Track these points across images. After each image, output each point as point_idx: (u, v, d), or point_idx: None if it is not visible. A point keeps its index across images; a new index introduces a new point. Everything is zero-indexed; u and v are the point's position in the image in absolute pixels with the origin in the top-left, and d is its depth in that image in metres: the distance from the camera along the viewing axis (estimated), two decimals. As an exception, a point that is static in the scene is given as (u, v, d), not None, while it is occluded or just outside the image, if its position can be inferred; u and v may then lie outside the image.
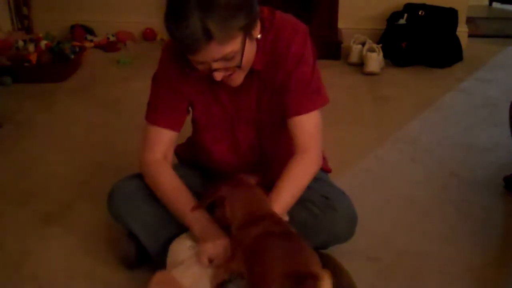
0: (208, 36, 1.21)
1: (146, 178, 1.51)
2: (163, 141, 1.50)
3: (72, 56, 3.25)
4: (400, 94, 2.98)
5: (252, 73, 1.41)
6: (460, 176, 2.16)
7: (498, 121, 2.58)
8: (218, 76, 1.31)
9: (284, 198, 1.39)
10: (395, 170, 2.22)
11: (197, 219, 1.39)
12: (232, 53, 1.27)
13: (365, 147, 2.37)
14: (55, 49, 3.21)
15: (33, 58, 3.14)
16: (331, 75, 3.07)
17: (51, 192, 2.06)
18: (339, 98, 2.79)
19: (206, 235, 1.35)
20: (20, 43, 3.25)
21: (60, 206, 1.97)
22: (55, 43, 3.30)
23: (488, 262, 1.69)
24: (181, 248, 1.40)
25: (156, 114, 1.49)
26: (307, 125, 1.44)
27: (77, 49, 3.35)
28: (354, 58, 3.38)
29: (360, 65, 3.32)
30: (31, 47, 3.22)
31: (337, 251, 1.58)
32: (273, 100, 1.46)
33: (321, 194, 1.51)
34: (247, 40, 1.29)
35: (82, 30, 3.76)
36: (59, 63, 3.17)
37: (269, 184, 1.43)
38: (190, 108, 1.54)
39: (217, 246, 1.32)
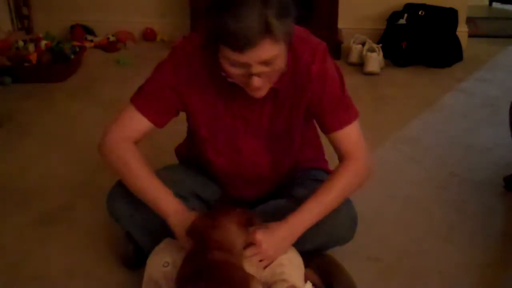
0: (267, 31, 1.17)
1: (109, 155, 1.43)
2: (139, 129, 1.44)
3: (72, 56, 3.25)
4: (400, 94, 2.98)
5: (269, 90, 1.36)
6: (460, 176, 2.16)
7: (498, 121, 2.58)
8: (258, 82, 1.26)
9: (324, 202, 1.41)
10: (395, 170, 2.22)
11: (171, 211, 1.39)
12: (276, 56, 1.23)
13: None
14: (55, 49, 3.21)
15: (33, 58, 3.14)
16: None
17: (51, 192, 2.06)
18: (339, 98, 2.79)
19: (181, 229, 1.35)
20: (20, 43, 3.25)
21: (60, 206, 1.97)
22: (55, 43, 3.30)
23: (488, 262, 1.69)
24: (156, 265, 1.39)
25: (145, 103, 1.43)
26: (349, 136, 1.45)
27: (77, 49, 3.35)
28: (354, 58, 3.38)
29: (360, 65, 3.33)
30: (31, 47, 3.22)
31: (337, 251, 1.58)
32: (293, 118, 1.46)
33: None
34: (287, 47, 1.27)
35: (82, 30, 3.76)
36: (59, 63, 3.17)
37: (278, 194, 1.44)
38: (185, 115, 1.52)
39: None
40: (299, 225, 1.38)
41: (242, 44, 1.17)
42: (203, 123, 1.48)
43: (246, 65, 1.23)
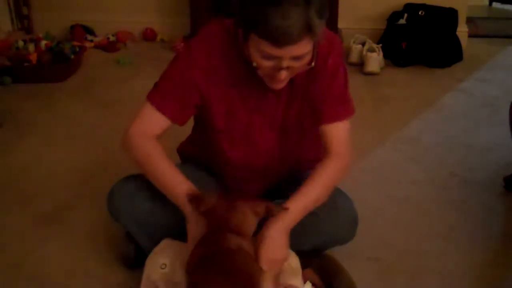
0: (308, 30, 1.19)
1: (133, 150, 1.44)
2: (159, 126, 1.45)
3: (72, 56, 3.25)
4: (400, 94, 2.98)
5: None
6: (460, 176, 2.16)
7: (498, 121, 2.58)
8: (285, 75, 1.29)
9: (310, 195, 1.40)
10: (395, 170, 2.22)
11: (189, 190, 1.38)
12: (308, 53, 1.26)
13: (365, 147, 2.37)
14: (55, 49, 3.21)
15: (33, 58, 3.14)
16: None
17: (51, 192, 2.06)
18: (339, 98, 2.79)
19: (195, 220, 1.35)
20: (20, 43, 3.25)
21: (60, 206, 1.97)
22: (55, 43, 3.30)
23: (488, 262, 1.69)
24: (154, 267, 1.39)
25: (162, 100, 1.43)
26: (341, 132, 1.46)
27: (77, 49, 3.35)
28: (354, 58, 3.38)
29: (360, 65, 3.33)
30: (31, 47, 3.21)
31: (337, 251, 1.58)
32: (303, 109, 1.47)
33: None
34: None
35: (82, 30, 3.76)
36: (59, 63, 3.17)
37: (285, 191, 1.43)
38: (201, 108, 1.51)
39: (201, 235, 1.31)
40: (286, 221, 1.37)
41: (284, 40, 1.19)
42: (220, 115, 1.47)
43: (278, 59, 1.25)
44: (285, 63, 1.25)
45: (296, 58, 1.26)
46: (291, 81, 1.40)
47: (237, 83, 1.42)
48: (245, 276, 1.22)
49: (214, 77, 1.42)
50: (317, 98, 1.44)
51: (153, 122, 1.45)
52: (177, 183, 1.40)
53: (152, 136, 1.44)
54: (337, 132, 1.45)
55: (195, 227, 1.35)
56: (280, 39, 1.19)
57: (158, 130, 1.45)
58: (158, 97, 1.44)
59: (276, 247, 1.34)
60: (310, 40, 1.23)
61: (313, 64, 1.31)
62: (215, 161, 1.60)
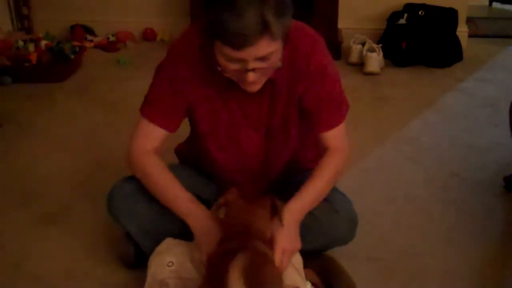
0: (265, 29, 1.17)
1: (134, 169, 1.49)
2: (155, 137, 1.47)
3: (72, 56, 3.24)
4: (400, 94, 2.98)
5: (266, 81, 1.37)
6: (460, 176, 2.16)
7: (498, 121, 2.58)
8: (253, 77, 1.27)
9: (315, 190, 1.43)
10: (395, 170, 2.22)
11: (191, 210, 1.40)
12: (273, 53, 1.24)
13: (365, 147, 2.37)
14: (55, 49, 3.21)
15: (33, 58, 3.14)
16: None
17: (51, 192, 2.06)
18: (339, 98, 2.79)
19: (199, 229, 1.37)
20: (20, 43, 3.25)
21: (60, 206, 1.97)
22: (55, 43, 3.30)
23: (488, 262, 1.69)
24: (160, 265, 1.39)
25: (153, 111, 1.46)
26: (338, 133, 1.48)
27: (77, 49, 3.35)
28: (354, 58, 3.38)
29: (360, 65, 3.32)
30: (31, 47, 3.21)
31: (337, 252, 1.58)
32: (288, 110, 1.46)
33: None
34: (283, 43, 1.27)
35: (82, 30, 3.76)
36: (59, 63, 3.17)
37: (283, 193, 1.44)
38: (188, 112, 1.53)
39: (210, 242, 1.31)
40: (297, 213, 1.39)
41: (240, 42, 1.18)
42: (203, 117, 1.49)
43: (243, 61, 1.24)
44: (251, 65, 1.24)
45: (261, 59, 1.24)
46: (272, 81, 1.39)
47: (217, 85, 1.41)
48: (266, 280, 1.21)
49: (195, 79, 1.42)
50: (310, 105, 1.44)
51: (149, 135, 1.47)
52: (179, 199, 1.42)
53: (151, 151, 1.47)
54: (334, 135, 1.47)
55: (203, 240, 1.35)
56: (237, 42, 1.18)
57: (157, 142, 1.48)
58: (149, 109, 1.46)
59: (291, 237, 1.35)
60: (271, 40, 1.20)
61: (280, 63, 1.30)
62: (207, 163, 1.61)
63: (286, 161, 1.59)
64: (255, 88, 1.34)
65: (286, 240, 1.33)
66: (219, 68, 1.30)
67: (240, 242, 1.23)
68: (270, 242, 1.31)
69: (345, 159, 1.50)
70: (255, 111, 1.46)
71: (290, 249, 1.35)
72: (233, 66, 1.26)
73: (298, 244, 1.38)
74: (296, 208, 1.38)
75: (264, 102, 1.45)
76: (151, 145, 1.47)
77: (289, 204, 1.38)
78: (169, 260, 1.39)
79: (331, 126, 1.46)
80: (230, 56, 1.23)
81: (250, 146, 1.52)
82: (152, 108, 1.46)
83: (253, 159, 1.55)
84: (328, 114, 1.45)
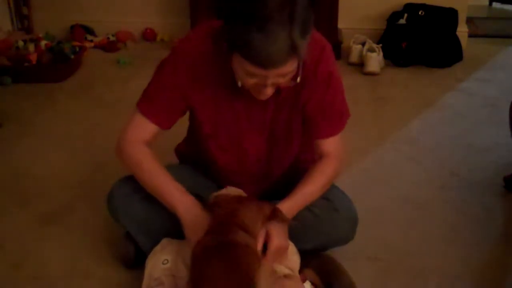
0: (293, 52, 1.18)
1: (123, 157, 1.48)
2: (147, 131, 1.47)
3: (72, 56, 3.25)
4: (400, 94, 2.98)
5: None
6: (460, 176, 2.16)
7: (498, 121, 2.58)
8: (270, 91, 1.28)
9: (307, 194, 1.44)
10: (395, 170, 2.22)
11: (179, 198, 1.40)
12: (294, 69, 1.25)
13: (365, 147, 2.37)
14: (55, 49, 3.21)
15: (33, 58, 3.14)
16: (331, 75, 3.06)
17: (51, 192, 2.06)
18: (339, 98, 2.79)
19: (188, 217, 1.37)
20: (20, 43, 3.25)
21: (60, 206, 1.97)
22: (55, 43, 3.30)
23: (488, 262, 1.69)
24: (156, 263, 1.40)
25: (149, 107, 1.45)
26: (336, 141, 1.49)
27: (77, 49, 3.35)
28: (354, 58, 3.38)
29: (360, 65, 3.32)
30: (31, 47, 3.22)
31: (337, 251, 1.58)
32: (292, 115, 1.47)
33: (322, 196, 1.51)
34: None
35: (82, 30, 3.76)
36: (59, 63, 3.17)
37: (282, 194, 1.44)
38: (188, 112, 1.53)
39: (198, 230, 1.31)
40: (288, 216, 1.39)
41: (269, 64, 1.18)
42: (206, 119, 1.48)
43: (264, 77, 1.23)
44: (270, 81, 1.25)
45: (282, 75, 1.25)
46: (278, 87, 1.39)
47: (223, 88, 1.41)
48: (245, 274, 1.22)
49: (200, 81, 1.41)
50: (312, 113, 1.45)
51: (142, 128, 1.47)
52: (167, 187, 1.42)
53: (142, 142, 1.46)
54: (331, 143, 1.49)
55: (191, 228, 1.36)
56: (265, 63, 1.18)
57: (148, 136, 1.47)
58: (146, 103, 1.46)
59: (281, 236, 1.35)
60: (296, 60, 1.22)
61: (298, 79, 1.30)
62: (207, 164, 1.61)
63: (287, 165, 1.59)
64: (267, 97, 1.34)
65: (279, 238, 1.34)
66: (239, 84, 1.30)
67: (223, 234, 1.24)
68: (265, 237, 1.32)
69: (339, 167, 1.51)
70: (259, 115, 1.46)
71: (283, 246, 1.35)
72: (252, 80, 1.26)
73: (287, 242, 1.39)
74: (284, 209, 1.38)
75: (269, 106, 1.45)
76: (142, 137, 1.47)
77: (279, 205, 1.38)
78: (164, 258, 1.40)
79: (330, 134, 1.47)
80: (253, 72, 1.22)
81: (251, 149, 1.52)
82: (149, 103, 1.46)
83: (254, 162, 1.55)
84: (328, 122, 1.46)
